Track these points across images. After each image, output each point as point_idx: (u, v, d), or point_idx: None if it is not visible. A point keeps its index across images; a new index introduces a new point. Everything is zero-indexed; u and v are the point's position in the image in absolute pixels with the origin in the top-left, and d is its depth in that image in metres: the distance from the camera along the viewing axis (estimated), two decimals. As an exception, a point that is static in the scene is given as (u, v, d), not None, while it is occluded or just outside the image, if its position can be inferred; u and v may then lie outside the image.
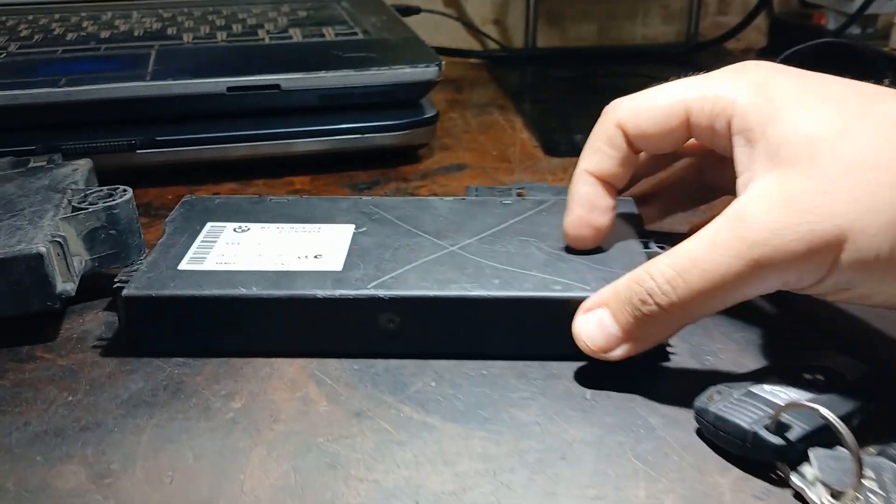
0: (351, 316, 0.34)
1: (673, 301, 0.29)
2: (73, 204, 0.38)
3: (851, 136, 0.28)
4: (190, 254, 0.36)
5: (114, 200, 0.38)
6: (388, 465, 0.29)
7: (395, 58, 0.54)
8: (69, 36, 0.62)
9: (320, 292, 0.33)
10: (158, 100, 0.51)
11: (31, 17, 0.68)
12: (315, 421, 0.31)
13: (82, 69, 0.54)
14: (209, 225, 0.39)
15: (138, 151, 0.51)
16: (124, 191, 0.39)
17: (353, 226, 0.38)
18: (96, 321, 0.37)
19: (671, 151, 0.36)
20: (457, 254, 0.36)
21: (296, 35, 0.61)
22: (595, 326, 0.31)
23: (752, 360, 0.34)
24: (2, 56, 0.57)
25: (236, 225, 0.39)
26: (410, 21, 0.70)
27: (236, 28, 0.64)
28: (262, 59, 0.57)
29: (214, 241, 0.37)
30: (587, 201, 0.35)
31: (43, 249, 0.34)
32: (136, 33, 0.63)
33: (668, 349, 0.34)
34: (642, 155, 0.36)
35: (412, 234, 0.38)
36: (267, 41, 0.60)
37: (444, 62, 0.54)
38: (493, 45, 0.83)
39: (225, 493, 0.27)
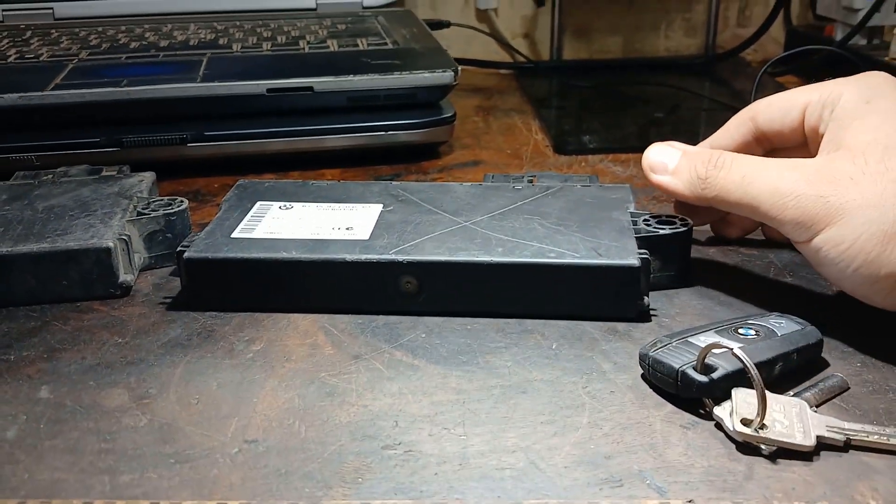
0: (375, 277, 0.39)
1: (709, 173, 0.38)
2: (138, 209, 0.45)
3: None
4: (241, 226, 0.42)
5: (172, 209, 0.45)
6: (376, 394, 0.34)
7: (417, 64, 0.60)
8: (132, 45, 0.69)
9: (349, 256, 0.39)
10: (207, 99, 0.57)
11: (100, 29, 0.76)
12: (320, 361, 0.36)
13: (142, 73, 0.61)
14: (259, 203, 0.45)
15: (189, 144, 0.57)
16: (181, 202, 0.45)
17: (381, 205, 0.44)
18: (145, 283, 0.43)
19: (790, 146, 0.41)
20: (469, 228, 0.41)
21: (332, 45, 0.67)
22: (659, 150, 0.41)
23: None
24: (73, 61, 0.64)
25: (281, 203, 0.45)
26: (447, 35, 0.75)
27: (280, 39, 0.70)
28: (300, 64, 0.63)
29: (262, 217, 0.43)
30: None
31: (111, 244, 0.41)
32: (191, 43, 0.70)
33: (651, 312, 0.39)
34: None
35: (432, 213, 0.43)
36: (306, 50, 0.67)
37: (460, 69, 0.60)
38: (521, 59, 0.88)
39: (241, 412, 0.33)
